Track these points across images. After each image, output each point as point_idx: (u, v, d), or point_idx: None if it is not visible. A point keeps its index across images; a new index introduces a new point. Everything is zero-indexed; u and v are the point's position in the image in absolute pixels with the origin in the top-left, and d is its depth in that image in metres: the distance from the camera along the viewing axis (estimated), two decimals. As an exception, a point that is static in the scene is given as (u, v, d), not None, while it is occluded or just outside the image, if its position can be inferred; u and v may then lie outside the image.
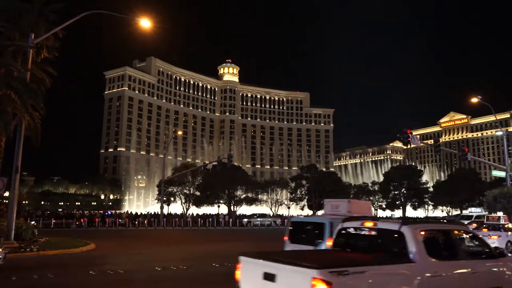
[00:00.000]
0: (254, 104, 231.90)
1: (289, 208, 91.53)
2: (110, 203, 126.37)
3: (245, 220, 69.41)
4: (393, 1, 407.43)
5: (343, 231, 8.20)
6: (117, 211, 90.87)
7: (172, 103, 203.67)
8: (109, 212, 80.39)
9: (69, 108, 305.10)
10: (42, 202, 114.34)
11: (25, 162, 25.84)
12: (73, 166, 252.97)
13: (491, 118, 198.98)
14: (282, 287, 6.22)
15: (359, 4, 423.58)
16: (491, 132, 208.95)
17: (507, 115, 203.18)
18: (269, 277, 6.38)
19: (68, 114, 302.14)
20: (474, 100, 45.51)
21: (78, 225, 52.35)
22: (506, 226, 26.21)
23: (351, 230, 8.15)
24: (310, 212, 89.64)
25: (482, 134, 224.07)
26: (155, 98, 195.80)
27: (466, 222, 41.43)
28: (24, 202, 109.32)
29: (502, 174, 47.25)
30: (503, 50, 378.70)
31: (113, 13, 27.30)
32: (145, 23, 26.72)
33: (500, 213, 38.88)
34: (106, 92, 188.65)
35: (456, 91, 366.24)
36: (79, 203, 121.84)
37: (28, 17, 25.57)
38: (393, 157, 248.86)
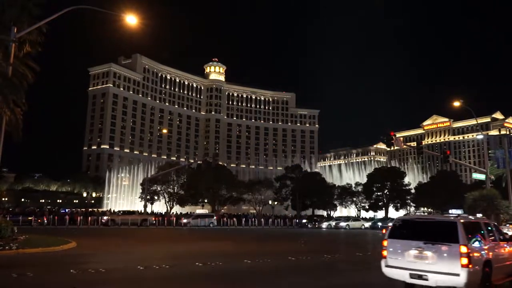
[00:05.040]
0: (240, 104, 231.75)
1: (273, 208, 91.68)
2: (93, 201, 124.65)
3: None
4: (384, 5, 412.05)
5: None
6: (99, 209, 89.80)
7: (158, 101, 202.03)
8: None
9: (52, 104, 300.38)
10: (23, 199, 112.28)
11: (5, 158, 25.34)
12: (55, 163, 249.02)
13: (473, 122, 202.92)
14: None
15: (347, 6, 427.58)
16: (472, 135, 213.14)
17: (487, 119, 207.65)
18: None
19: (51, 110, 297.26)
20: (457, 104, 46.29)
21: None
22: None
23: None
24: (294, 212, 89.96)
25: (463, 137, 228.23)
26: (140, 95, 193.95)
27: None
28: (3, 199, 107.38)
29: (482, 177, 48.18)
30: (491, 56, 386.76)
31: (99, 9, 26.89)
32: (131, 19, 26.37)
33: (479, 215, 39.65)
34: (90, 89, 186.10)
35: (439, 95, 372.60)
36: (60, 201, 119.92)
37: (11, 10, 25.02)
38: (376, 159, 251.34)
